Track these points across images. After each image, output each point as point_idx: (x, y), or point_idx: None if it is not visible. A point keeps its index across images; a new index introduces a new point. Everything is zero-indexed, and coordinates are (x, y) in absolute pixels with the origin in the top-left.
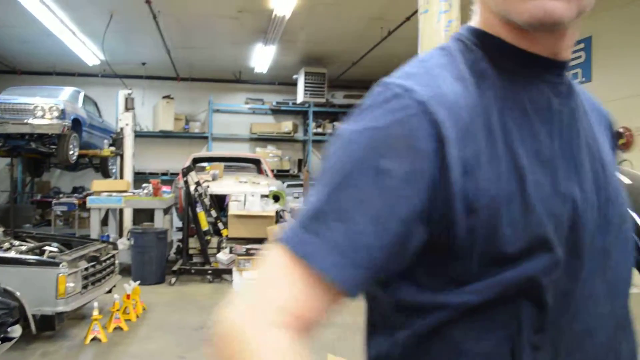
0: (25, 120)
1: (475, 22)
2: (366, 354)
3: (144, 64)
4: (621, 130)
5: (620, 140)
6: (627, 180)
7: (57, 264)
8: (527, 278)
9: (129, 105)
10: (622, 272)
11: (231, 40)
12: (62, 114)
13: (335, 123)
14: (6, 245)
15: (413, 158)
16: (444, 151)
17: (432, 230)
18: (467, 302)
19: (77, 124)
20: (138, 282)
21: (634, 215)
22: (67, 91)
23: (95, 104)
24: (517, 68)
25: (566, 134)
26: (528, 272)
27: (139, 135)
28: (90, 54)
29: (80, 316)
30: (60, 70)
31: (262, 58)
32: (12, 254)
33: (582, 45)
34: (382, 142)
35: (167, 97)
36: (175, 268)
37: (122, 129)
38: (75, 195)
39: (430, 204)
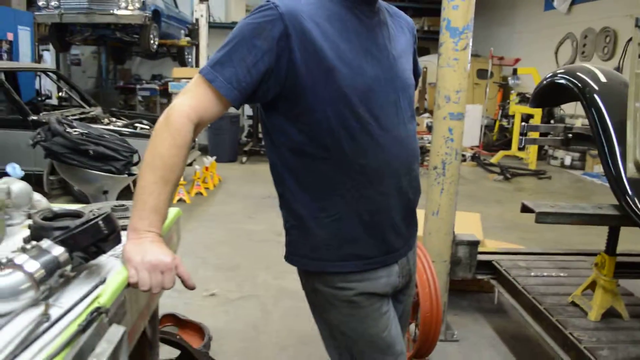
0: (110, 11)
1: None
2: (269, 161)
3: None
4: None
5: None
6: (603, 79)
7: (147, 136)
8: (345, 101)
9: None
10: (407, 111)
11: None
12: (143, 5)
13: None
14: (105, 121)
15: (270, 41)
16: (289, 39)
17: (284, 80)
18: (309, 130)
19: (156, 14)
20: (215, 157)
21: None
22: None
23: None
24: (344, 2)
25: (368, 39)
26: (347, 94)
27: (212, 26)
28: None
29: None
30: None
31: None
32: (111, 127)
33: None
34: (256, 30)
35: None
36: (246, 149)
37: (197, 20)
38: (156, 81)
39: (279, 65)
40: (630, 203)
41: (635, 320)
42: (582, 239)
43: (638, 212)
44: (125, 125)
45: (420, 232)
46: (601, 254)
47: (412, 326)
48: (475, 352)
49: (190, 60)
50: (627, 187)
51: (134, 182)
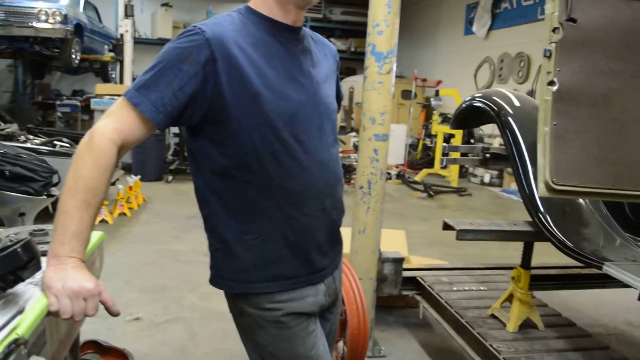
0: (30, 24)
1: (251, 3)
2: (194, 184)
3: None
4: None
5: None
6: (517, 103)
7: (68, 155)
8: (270, 126)
9: (128, 12)
10: (330, 136)
11: None
12: (65, 19)
13: (331, 39)
14: (22, 138)
15: (197, 65)
16: (215, 64)
17: (209, 104)
18: (234, 154)
19: (78, 28)
20: (139, 176)
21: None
22: None
23: (96, 10)
24: (269, 29)
25: (293, 65)
26: (269, 124)
27: (137, 42)
28: None
29: None
30: None
31: None
32: (28, 145)
33: None
34: (182, 55)
35: (166, 4)
36: (172, 167)
37: (122, 35)
38: (77, 97)
39: (205, 89)
40: (542, 220)
41: (550, 329)
42: (502, 253)
43: (549, 228)
44: (43, 143)
45: (346, 249)
46: (517, 268)
47: (340, 343)
48: None
49: (114, 76)
50: (539, 205)
51: (53, 204)
